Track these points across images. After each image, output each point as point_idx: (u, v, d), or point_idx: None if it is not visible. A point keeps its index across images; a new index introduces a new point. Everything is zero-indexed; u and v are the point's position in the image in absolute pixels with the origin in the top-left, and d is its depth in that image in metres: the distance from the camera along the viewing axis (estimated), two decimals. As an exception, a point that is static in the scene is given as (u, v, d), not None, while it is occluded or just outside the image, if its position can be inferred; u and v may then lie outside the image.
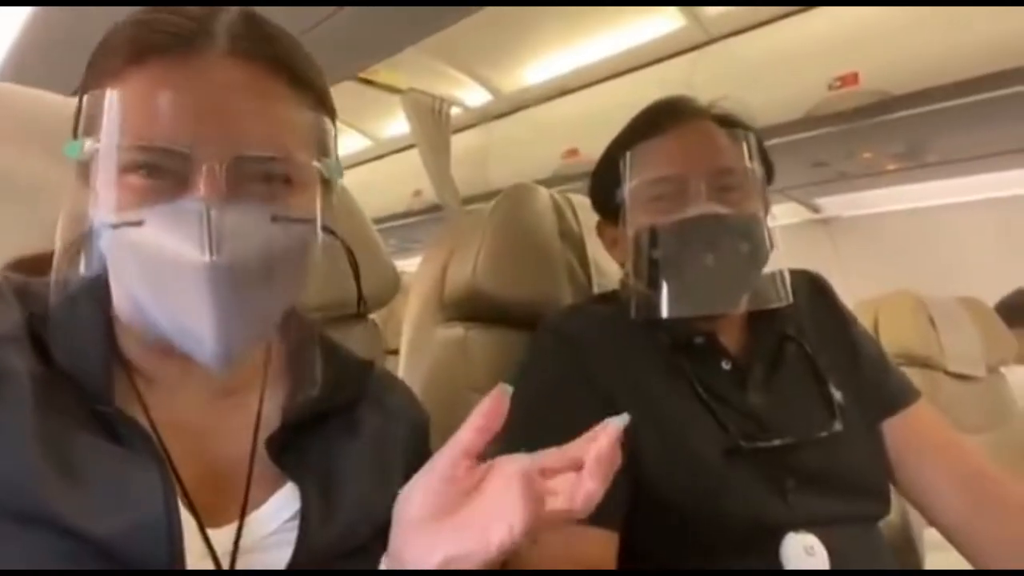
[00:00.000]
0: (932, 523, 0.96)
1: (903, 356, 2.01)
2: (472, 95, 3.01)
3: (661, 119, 0.92)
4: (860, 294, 2.13)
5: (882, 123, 2.13)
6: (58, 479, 0.47)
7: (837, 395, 0.91)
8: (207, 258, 0.47)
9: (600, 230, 1.00)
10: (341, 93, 2.35)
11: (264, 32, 0.55)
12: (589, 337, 0.89)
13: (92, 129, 0.51)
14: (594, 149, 2.74)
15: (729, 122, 0.94)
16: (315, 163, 0.55)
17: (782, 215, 3.43)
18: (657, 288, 0.86)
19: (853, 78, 2.00)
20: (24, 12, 1.64)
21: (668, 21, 2.38)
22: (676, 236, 0.86)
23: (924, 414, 0.98)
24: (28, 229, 0.64)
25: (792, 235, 3.32)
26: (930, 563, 1.71)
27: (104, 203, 0.50)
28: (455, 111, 3.05)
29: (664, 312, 0.86)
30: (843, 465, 0.89)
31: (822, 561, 0.79)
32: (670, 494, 0.82)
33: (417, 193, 3.34)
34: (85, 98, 0.53)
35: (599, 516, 0.81)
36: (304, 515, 0.55)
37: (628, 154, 0.90)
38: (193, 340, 0.50)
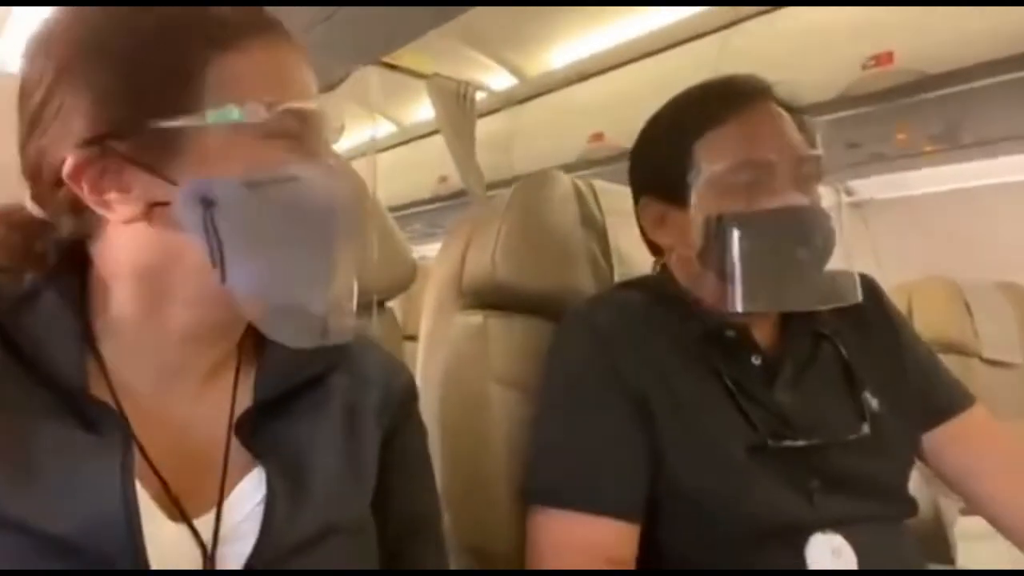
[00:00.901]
0: (997, 527, 0.94)
1: (937, 342, 1.97)
2: (497, 79, 2.99)
3: (732, 100, 0.87)
4: (894, 278, 2.08)
5: (917, 103, 2.06)
6: (14, 477, 0.47)
7: (873, 402, 0.89)
8: (339, 198, 0.56)
9: (644, 210, 0.94)
10: (366, 78, 2.35)
11: None
12: (618, 328, 0.87)
13: (221, 97, 0.53)
14: (620, 133, 2.74)
15: (787, 104, 0.90)
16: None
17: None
18: (733, 279, 0.82)
19: (888, 57, 1.94)
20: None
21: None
22: (765, 225, 0.82)
23: (977, 420, 0.96)
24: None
25: (824, 218, 3.25)
26: (962, 553, 1.69)
27: (247, 164, 0.53)
28: (480, 95, 3.03)
29: (739, 306, 0.81)
30: (871, 469, 0.86)
31: (849, 562, 0.77)
32: (693, 489, 0.81)
33: (443, 179, 3.33)
34: (207, 68, 0.53)
35: (619, 507, 0.81)
36: (269, 498, 0.54)
37: (707, 135, 0.86)
38: (314, 292, 0.55)
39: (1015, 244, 2.76)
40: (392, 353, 0.73)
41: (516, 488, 0.87)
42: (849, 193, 3.09)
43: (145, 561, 0.48)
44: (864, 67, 2.00)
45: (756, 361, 0.88)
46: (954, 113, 2.14)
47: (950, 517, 1.75)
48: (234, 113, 0.52)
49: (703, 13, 2.36)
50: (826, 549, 0.78)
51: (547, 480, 0.85)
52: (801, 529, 0.80)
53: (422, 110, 3.25)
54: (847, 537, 0.79)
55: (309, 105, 0.56)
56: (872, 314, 0.98)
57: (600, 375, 0.85)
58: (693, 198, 0.85)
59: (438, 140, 3.11)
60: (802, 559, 0.78)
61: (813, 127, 0.89)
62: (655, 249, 0.97)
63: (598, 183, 1.07)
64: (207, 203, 0.51)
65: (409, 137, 3.56)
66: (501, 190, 3.32)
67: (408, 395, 0.72)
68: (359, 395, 0.66)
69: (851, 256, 0.85)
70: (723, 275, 0.83)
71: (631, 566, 0.81)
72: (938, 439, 0.95)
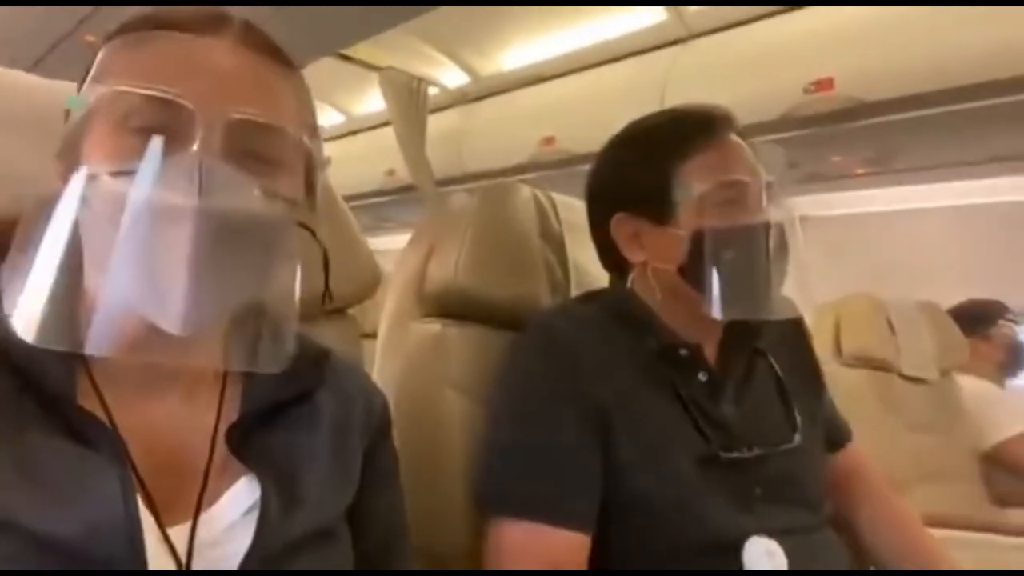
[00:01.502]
0: (860, 551, 1.08)
1: (861, 358, 2.07)
2: (450, 76, 2.99)
3: (710, 129, 0.94)
4: (822, 294, 2.18)
5: (853, 128, 2.17)
6: (18, 482, 0.47)
7: (797, 416, 0.97)
8: (192, 203, 0.47)
9: (618, 227, 0.96)
10: (315, 67, 2.32)
11: (264, 33, 0.59)
12: (578, 341, 0.90)
13: (97, 80, 0.52)
14: (571, 138, 2.76)
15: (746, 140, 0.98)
16: (307, 143, 0.57)
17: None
18: (716, 289, 0.88)
19: (828, 83, 2.03)
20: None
21: (650, 14, 2.40)
22: (746, 240, 0.88)
23: (855, 453, 1.13)
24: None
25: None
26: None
27: (98, 155, 0.51)
28: (432, 91, 3.03)
29: (719, 313, 0.87)
30: (803, 475, 0.94)
31: (781, 563, 0.83)
32: (645, 499, 0.85)
33: (391, 172, 3.32)
34: (99, 56, 0.53)
35: (575, 519, 0.84)
36: (263, 505, 0.55)
37: (695, 157, 0.91)
38: (160, 297, 0.49)
39: (934, 265, 2.93)
40: (354, 361, 0.74)
41: (470, 492, 0.89)
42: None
43: (145, 565, 0.49)
44: (806, 91, 2.08)
45: (703, 378, 0.93)
46: (887, 140, 2.26)
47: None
48: (76, 100, 0.52)
49: (657, 26, 2.41)
50: (761, 551, 0.83)
51: (506, 489, 0.86)
52: (742, 537, 0.84)
53: (371, 101, 3.22)
54: (781, 543, 0.84)
55: (140, 89, 0.50)
56: (795, 339, 1.08)
57: (559, 386, 0.87)
58: (681, 215, 0.91)
59: (387, 133, 3.09)
60: (740, 564, 0.83)
61: (765, 154, 0.96)
62: (618, 265, 1.00)
63: (558, 196, 1.10)
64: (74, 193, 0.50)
65: (357, 128, 3.53)
66: (453, 187, 3.32)
67: (386, 416, 0.73)
68: (343, 412, 0.66)
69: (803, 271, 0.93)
70: (705, 286, 0.88)
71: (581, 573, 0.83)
72: (837, 463, 1.10)
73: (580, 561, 0.83)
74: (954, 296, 2.51)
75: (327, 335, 0.75)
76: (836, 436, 1.10)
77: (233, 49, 0.54)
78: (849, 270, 2.92)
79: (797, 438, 0.94)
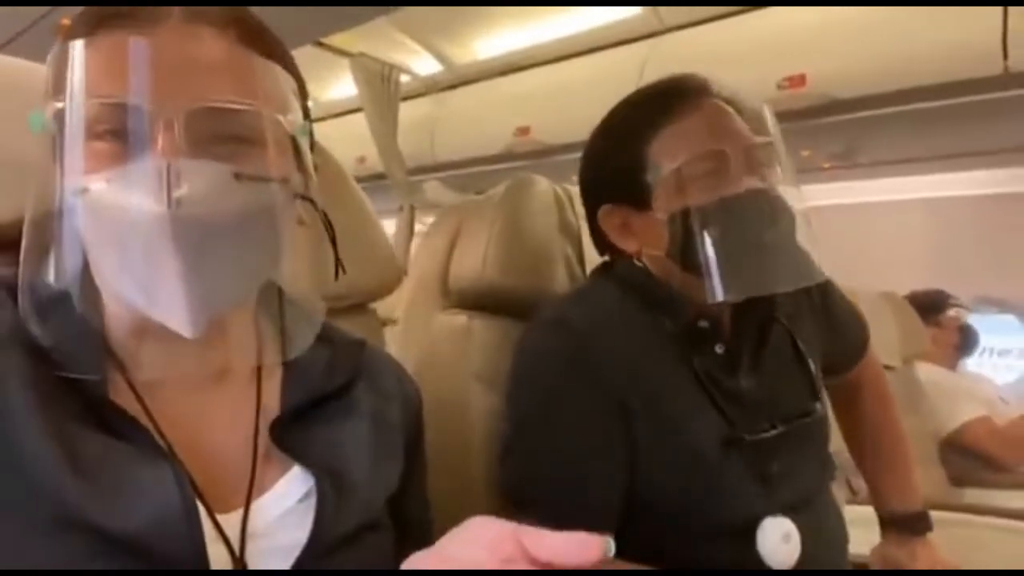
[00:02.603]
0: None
1: (830, 346, 2.14)
2: (422, 64, 2.97)
3: (682, 97, 0.87)
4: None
5: (821, 123, 2.23)
6: (77, 480, 0.47)
7: (814, 368, 0.95)
8: (164, 210, 0.46)
9: (606, 218, 0.93)
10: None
11: (214, 6, 0.56)
12: (594, 326, 0.87)
13: (53, 96, 0.51)
14: (546, 129, 2.76)
15: (736, 103, 0.91)
16: (279, 117, 0.55)
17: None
18: (707, 271, 0.82)
19: (801, 79, 2.08)
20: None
21: (626, 8, 2.42)
22: (729, 213, 0.82)
23: (868, 364, 1.18)
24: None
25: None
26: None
27: (70, 171, 0.49)
28: (404, 79, 3.00)
29: (719, 295, 0.81)
30: (818, 440, 0.95)
31: (795, 547, 0.82)
32: (663, 485, 0.84)
33: (361, 160, 3.28)
34: (46, 69, 0.52)
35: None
36: (320, 496, 0.55)
37: (661, 133, 0.85)
38: (162, 304, 0.50)
39: (897, 257, 3.03)
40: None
41: (494, 486, 0.88)
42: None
43: (207, 561, 0.49)
44: (779, 87, 2.13)
45: (719, 350, 0.89)
46: (855, 135, 2.32)
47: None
48: (38, 120, 0.51)
49: (632, 19, 2.44)
50: (777, 533, 0.82)
51: (530, 488, 0.85)
52: (758, 515, 0.83)
53: (342, 87, 3.18)
54: (795, 520, 0.83)
55: (113, 100, 0.49)
56: (821, 299, 1.06)
57: (579, 376, 0.85)
58: (655, 197, 0.86)
59: (358, 119, 3.06)
60: (753, 546, 0.82)
61: (763, 115, 0.90)
62: (614, 254, 0.97)
63: (573, 189, 1.09)
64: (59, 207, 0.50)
65: (326, 114, 3.48)
66: (425, 175, 3.29)
67: (420, 407, 0.73)
68: (381, 403, 0.67)
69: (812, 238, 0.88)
70: (696, 269, 0.82)
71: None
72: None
73: None
74: (914, 285, 2.61)
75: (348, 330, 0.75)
76: (849, 357, 1.12)
77: (180, 34, 0.51)
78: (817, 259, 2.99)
79: (819, 409, 0.92)
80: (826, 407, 0.98)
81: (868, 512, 1.16)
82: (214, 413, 0.59)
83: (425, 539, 0.72)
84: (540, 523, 0.74)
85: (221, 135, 0.51)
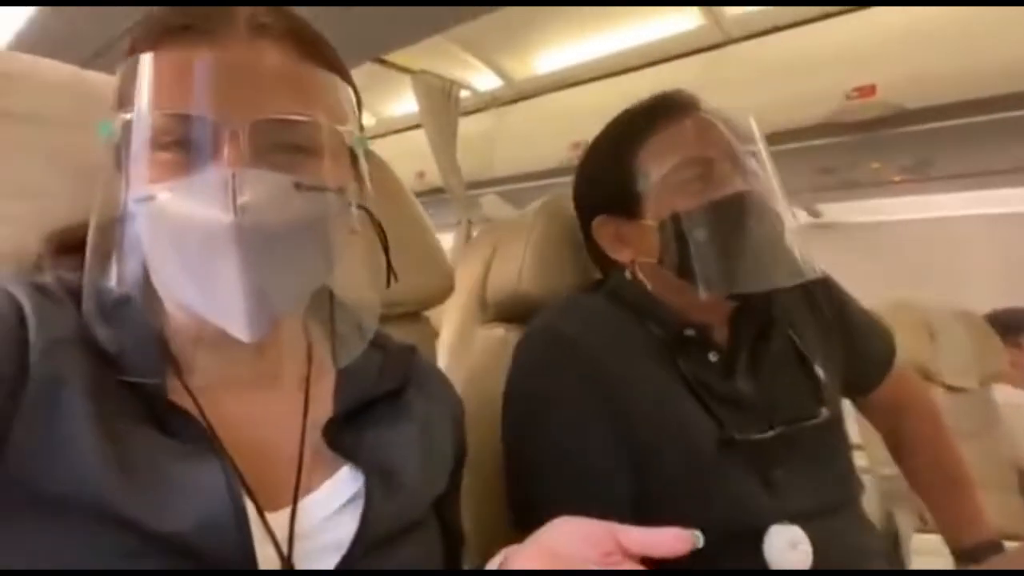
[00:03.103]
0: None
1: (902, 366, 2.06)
2: (482, 79, 2.99)
3: (669, 109, 0.91)
4: (860, 299, 2.16)
5: (893, 135, 2.16)
6: (123, 478, 0.47)
7: (821, 374, 0.94)
8: (230, 218, 0.48)
9: (600, 230, 0.96)
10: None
11: (280, 12, 0.58)
12: (583, 332, 0.89)
13: (121, 107, 0.53)
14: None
15: (722, 118, 0.93)
16: (337, 128, 0.56)
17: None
18: (698, 269, 0.85)
19: (871, 89, 2.02)
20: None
21: (686, 19, 2.38)
22: (717, 215, 0.85)
23: (899, 377, 1.11)
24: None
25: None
26: (916, 567, 1.76)
27: (135, 180, 0.51)
28: (464, 94, 3.03)
29: (710, 290, 0.85)
30: (833, 448, 0.92)
31: (805, 555, 0.79)
32: (662, 489, 0.83)
33: (421, 175, 3.33)
34: (116, 80, 0.54)
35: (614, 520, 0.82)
36: (368, 494, 0.56)
37: (648, 142, 0.90)
38: (222, 309, 0.51)
39: (973, 273, 2.90)
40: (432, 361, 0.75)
41: (507, 513, 0.87)
42: (816, 215, 3.19)
43: (254, 561, 0.50)
44: (848, 97, 2.07)
45: (713, 358, 0.90)
46: (927, 147, 2.24)
47: (905, 532, 1.82)
48: (109, 125, 0.53)
49: (694, 31, 2.40)
50: (783, 541, 0.80)
51: (538, 505, 0.84)
52: (762, 523, 0.81)
53: (402, 103, 3.23)
54: (806, 526, 0.80)
55: (180, 111, 0.51)
56: (824, 297, 1.04)
57: (572, 380, 0.86)
58: (648, 205, 0.89)
59: (418, 135, 3.10)
60: (760, 552, 0.80)
61: (750, 127, 0.91)
62: (609, 267, 0.99)
63: None
64: (123, 215, 0.52)
65: (388, 130, 3.54)
66: (483, 189, 3.32)
67: (463, 416, 0.75)
68: (430, 408, 0.68)
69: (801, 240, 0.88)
70: (688, 272, 0.86)
71: None
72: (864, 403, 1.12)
73: None
74: (990, 304, 2.49)
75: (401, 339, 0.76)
76: (871, 372, 1.08)
77: (244, 47, 0.53)
78: (886, 276, 2.90)
79: (823, 412, 0.90)
80: (839, 414, 0.95)
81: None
82: (267, 415, 0.60)
83: (455, 547, 0.72)
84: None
85: (282, 145, 0.53)
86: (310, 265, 0.55)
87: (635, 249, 0.94)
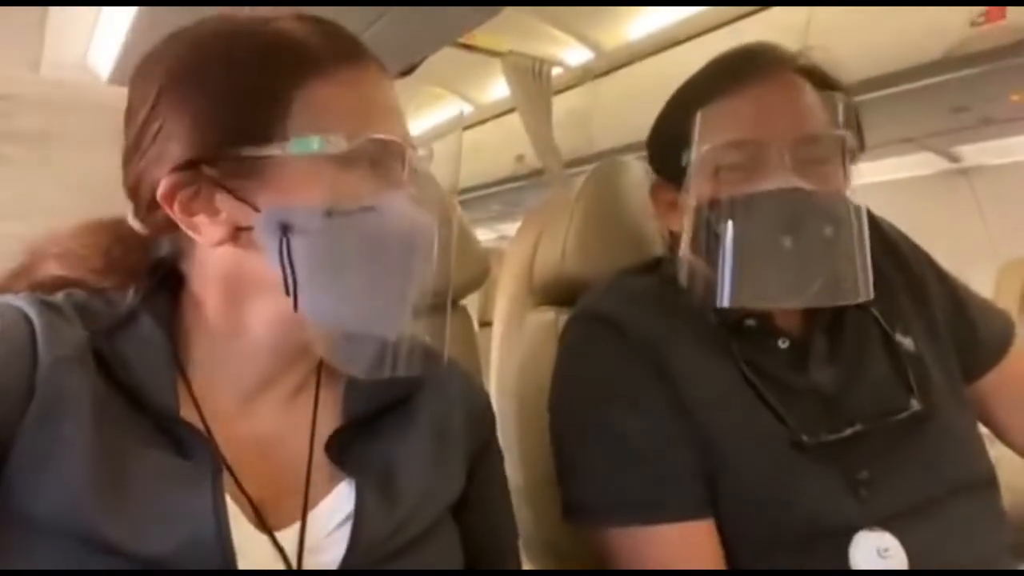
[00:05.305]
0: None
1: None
2: (573, 54, 2.92)
3: (739, 71, 0.80)
4: (1007, 252, 1.93)
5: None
6: (110, 503, 0.48)
7: (906, 341, 0.82)
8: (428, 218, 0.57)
9: (655, 192, 0.89)
10: (441, 59, 2.34)
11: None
12: (629, 315, 0.82)
13: (305, 124, 0.54)
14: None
15: (818, 76, 0.81)
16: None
17: (915, 166, 3.15)
18: (718, 270, 0.74)
19: (999, 13, 1.78)
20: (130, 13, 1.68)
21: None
22: (749, 212, 0.74)
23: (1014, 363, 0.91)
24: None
25: (927, 187, 3.05)
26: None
27: (327, 193, 0.54)
28: (556, 71, 2.97)
29: (725, 301, 0.74)
30: (935, 443, 0.79)
31: (898, 563, 0.70)
32: (732, 494, 0.76)
33: (520, 158, 3.31)
34: (294, 96, 0.55)
35: (684, 510, 0.73)
36: (357, 512, 0.56)
37: (706, 108, 0.78)
38: (389, 313, 0.55)
39: None
40: (468, 360, 0.73)
41: (563, 508, 0.82)
42: (955, 160, 2.90)
43: None
44: (973, 24, 1.84)
45: (783, 344, 0.81)
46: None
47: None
48: (314, 143, 0.53)
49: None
50: (871, 549, 0.71)
51: (602, 498, 0.79)
52: (846, 529, 0.72)
53: (497, 88, 3.22)
54: (900, 533, 0.71)
55: (390, 136, 0.56)
56: (909, 254, 0.91)
57: (621, 365, 0.79)
58: (692, 180, 0.78)
59: (514, 119, 3.08)
60: (846, 561, 0.71)
61: (846, 104, 0.77)
62: (674, 243, 0.89)
63: None
64: (285, 230, 0.52)
65: (485, 116, 3.55)
66: (583, 167, 3.27)
67: (490, 419, 0.72)
68: (443, 413, 0.66)
69: (866, 251, 0.73)
70: (710, 264, 0.76)
71: (719, 562, 0.74)
72: (991, 379, 0.90)
73: (708, 546, 0.74)
74: None
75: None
76: (983, 352, 0.90)
77: (378, 72, 0.59)
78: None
79: (914, 403, 0.78)
80: (936, 404, 0.80)
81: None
82: (276, 428, 0.60)
83: (505, 555, 0.69)
84: (624, 537, 0.73)
85: None
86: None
87: (680, 223, 0.84)
